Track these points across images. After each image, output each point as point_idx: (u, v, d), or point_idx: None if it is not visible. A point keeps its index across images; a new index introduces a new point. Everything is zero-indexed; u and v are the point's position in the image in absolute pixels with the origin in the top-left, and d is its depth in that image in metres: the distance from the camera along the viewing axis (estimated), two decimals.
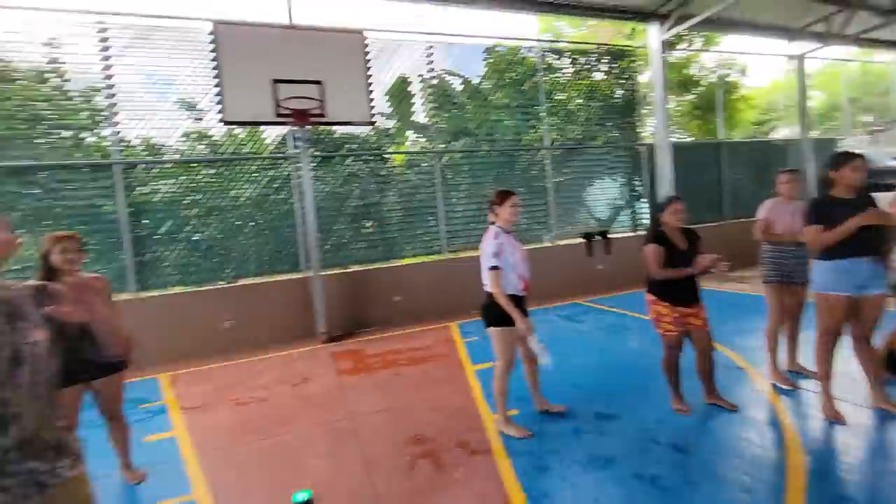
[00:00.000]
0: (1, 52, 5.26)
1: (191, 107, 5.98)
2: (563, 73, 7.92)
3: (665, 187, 8.13)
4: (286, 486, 2.48)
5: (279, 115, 5.38)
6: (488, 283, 2.92)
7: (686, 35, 9.52)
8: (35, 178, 5.38)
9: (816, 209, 2.78)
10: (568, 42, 8.71)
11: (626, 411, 3.23)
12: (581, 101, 7.95)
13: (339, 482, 2.62)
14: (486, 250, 2.92)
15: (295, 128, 5.90)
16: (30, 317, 1.16)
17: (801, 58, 9.82)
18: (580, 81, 8.05)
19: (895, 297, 2.96)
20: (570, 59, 7.97)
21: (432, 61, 7.06)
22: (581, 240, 7.93)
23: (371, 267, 6.67)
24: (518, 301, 2.93)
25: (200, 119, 6.03)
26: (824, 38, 9.52)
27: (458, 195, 7.20)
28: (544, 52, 7.81)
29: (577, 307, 6.75)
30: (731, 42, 9.95)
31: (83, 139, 5.78)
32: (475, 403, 3.58)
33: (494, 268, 2.84)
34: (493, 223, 3.05)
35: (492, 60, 7.47)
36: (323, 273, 6.05)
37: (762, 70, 20.88)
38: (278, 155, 6.33)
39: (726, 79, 10.07)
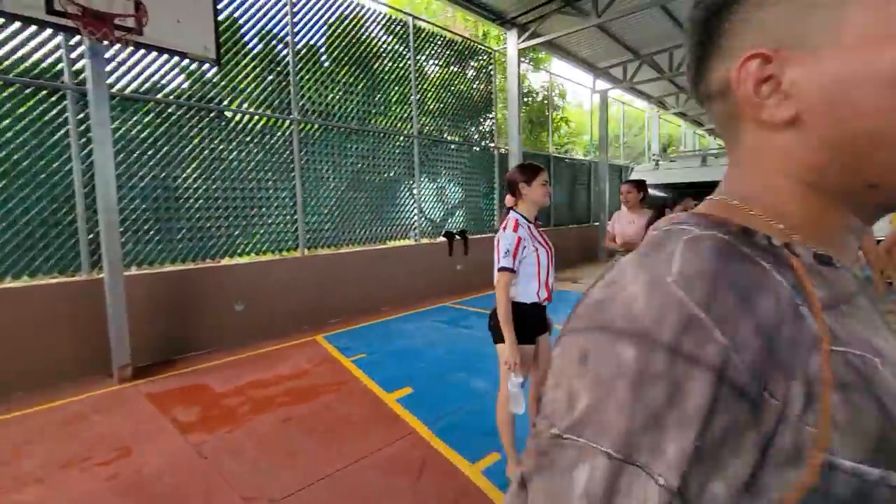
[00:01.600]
0: None
1: None
2: (425, 59, 7.39)
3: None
4: None
5: (58, 14, 3.25)
6: (496, 286, 2.15)
7: (529, 51, 10.27)
8: None
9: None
10: (431, 23, 8.26)
11: None
12: (441, 92, 7.57)
13: None
14: (501, 245, 2.13)
15: (85, 40, 3.76)
16: None
17: (603, 93, 11.79)
18: (442, 71, 7.66)
19: None
20: (432, 44, 7.50)
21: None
22: (442, 239, 7.58)
23: (197, 266, 4.81)
24: (535, 313, 2.22)
25: None
26: (616, 81, 11.64)
27: (318, 176, 5.89)
28: (403, 29, 7.13)
29: (450, 311, 6.33)
30: (558, 67, 11.27)
31: None
32: (432, 445, 2.69)
33: (505, 269, 2.09)
34: (512, 209, 2.27)
35: (337, 30, 6.15)
36: (124, 274, 4.02)
37: (578, 97, 24.85)
38: (47, 83, 3.91)
39: (551, 99, 11.33)
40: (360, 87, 6.35)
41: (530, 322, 2.19)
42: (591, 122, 12.33)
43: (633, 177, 7.24)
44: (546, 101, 11.14)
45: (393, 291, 6.55)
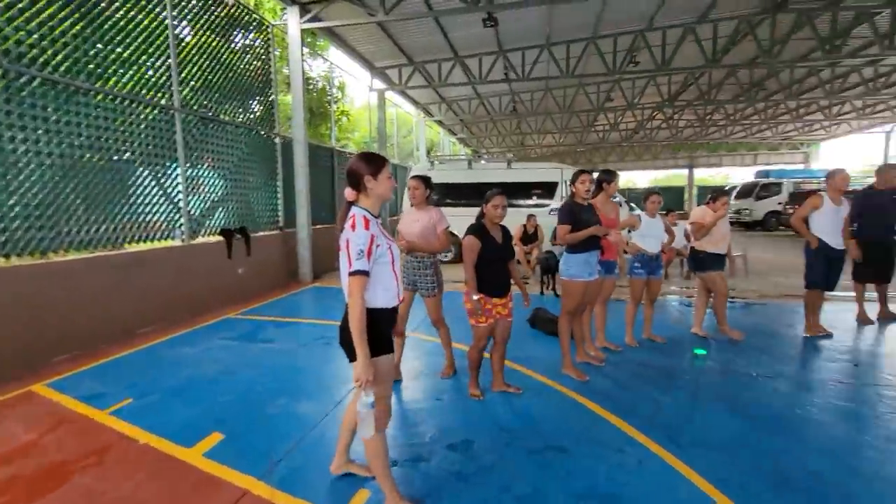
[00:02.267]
0: None
1: None
2: (186, 16, 5.92)
3: (302, 185, 7.79)
4: None
5: None
6: (346, 293, 1.83)
7: (307, 34, 9.51)
8: None
9: (569, 211, 3.49)
10: None
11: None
12: (209, 62, 6.23)
13: None
14: (351, 246, 1.81)
15: None
16: None
17: (381, 92, 12.02)
18: (208, 36, 6.28)
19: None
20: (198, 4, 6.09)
21: None
22: (220, 238, 6.32)
23: None
24: (391, 318, 2.00)
25: None
26: (391, 83, 12.08)
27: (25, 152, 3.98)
28: None
29: (239, 324, 5.32)
30: (336, 58, 10.81)
31: None
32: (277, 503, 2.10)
33: (360, 273, 1.79)
34: (353, 204, 1.93)
35: None
36: None
37: (351, 93, 23.96)
38: None
39: (330, 90, 10.82)
40: (86, 30, 4.58)
41: (387, 329, 1.97)
42: (370, 120, 12.47)
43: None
44: (326, 92, 10.63)
45: (154, 307, 5.07)
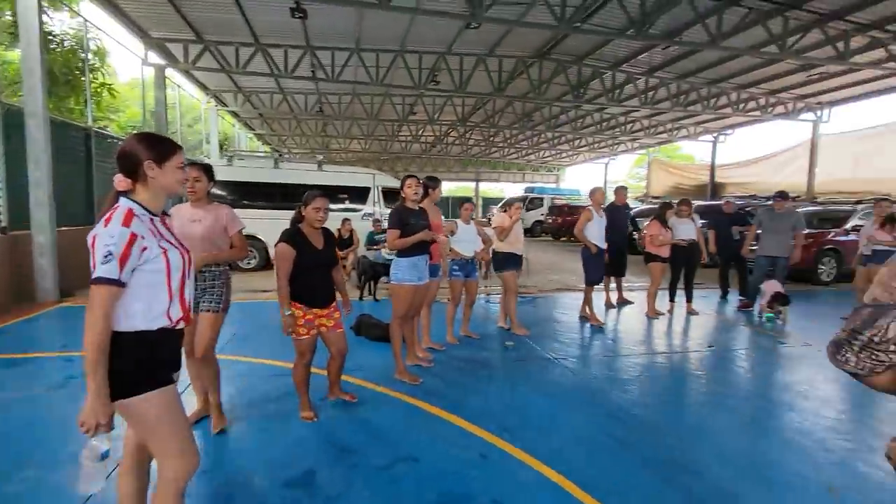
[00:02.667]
0: None
1: None
2: None
3: (41, 175, 5.83)
4: None
5: None
6: (88, 304, 1.40)
7: None
8: None
9: (398, 216, 3.49)
10: None
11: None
12: None
13: None
14: (98, 246, 1.39)
15: None
16: None
17: (160, 68, 9.94)
18: None
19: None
20: None
21: None
22: None
23: None
24: (169, 343, 1.57)
25: None
26: (173, 59, 10.19)
27: None
28: None
29: None
30: (94, 16, 8.36)
31: None
32: None
33: (103, 281, 1.37)
34: (124, 194, 1.51)
35: None
36: None
37: (127, 66, 18.46)
38: None
39: (85, 54, 8.30)
40: None
41: (163, 356, 1.53)
42: (144, 100, 10.20)
43: None
44: (77, 55, 8.20)
45: None
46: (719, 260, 7.24)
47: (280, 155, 21.13)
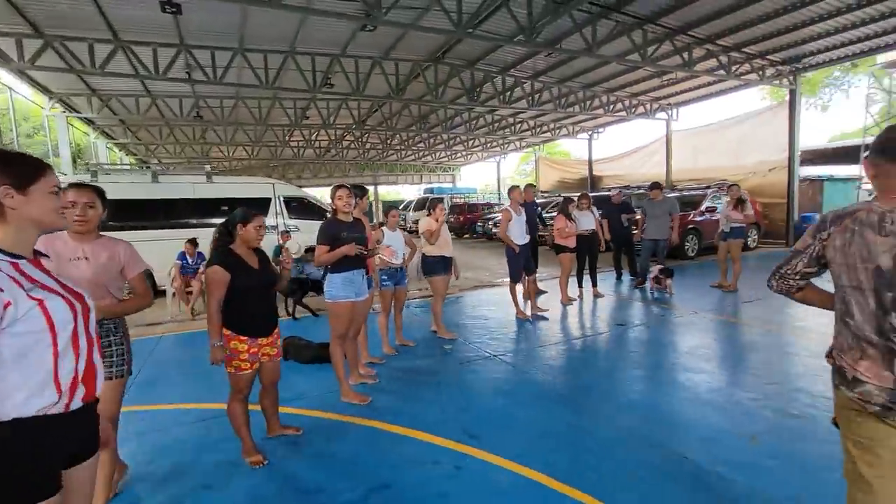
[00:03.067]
0: None
1: None
2: None
3: None
4: None
5: None
6: None
7: None
8: None
9: (326, 230, 3.29)
10: None
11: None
12: None
13: None
14: None
15: None
16: None
17: None
18: None
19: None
20: None
21: None
22: None
23: None
24: (56, 434, 1.16)
25: None
26: (2, 57, 8.42)
27: None
28: None
29: None
30: None
31: None
32: None
33: None
34: None
35: None
36: None
37: None
38: None
39: None
40: None
41: (50, 453, 1.14)
42: None
43: None
44: None
45: None
46: (613, 246, 8.06)
47: (146, 166, 18.68)
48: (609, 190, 9.90)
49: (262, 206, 8.89)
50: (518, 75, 12.41)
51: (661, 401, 3.29)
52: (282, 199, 9.17)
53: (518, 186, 6.04)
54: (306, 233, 8.63)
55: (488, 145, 23.51)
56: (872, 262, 1.31)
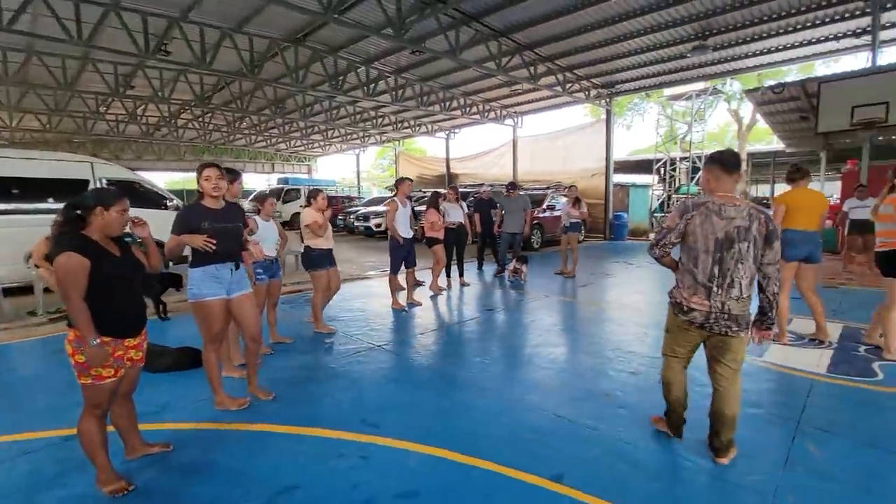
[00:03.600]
0: None
1: None
2: None
3: None
4: None
5: None
6: None
7: None
8: None
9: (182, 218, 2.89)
10: None
11: None
12: None
13: None
14: None
15: None
16: None
17: None
18: None
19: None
20: None
21: None
22: None
23: None
24: None
25: None
26: None
27: None
28: None
29: None
30: None
31: None
32: None
33: None
34: None
35: None
36: None
37: None
38: None
39: None
40: None
41: None
42: None
43: None
44: None
45: None
46: (480, 238, 8.71)
47: None
48: (481, 186, 10.63)
49: (75, 189, 7.26)
50: (382, 69, 12.42)
51: (533, 372, 3.74)
52: (104, 182, 7.62)
53: (408, 179, 6.12)
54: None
55: (348, 137, 22.97)
56: (714, 235, 2.21)
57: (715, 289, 2.22)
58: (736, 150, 16.88)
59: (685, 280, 2.32)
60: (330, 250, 4.82)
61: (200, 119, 18.41)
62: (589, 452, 2.53)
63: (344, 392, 3.37)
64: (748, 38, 9.90)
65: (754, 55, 10.84)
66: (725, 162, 2.23)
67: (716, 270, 2.20)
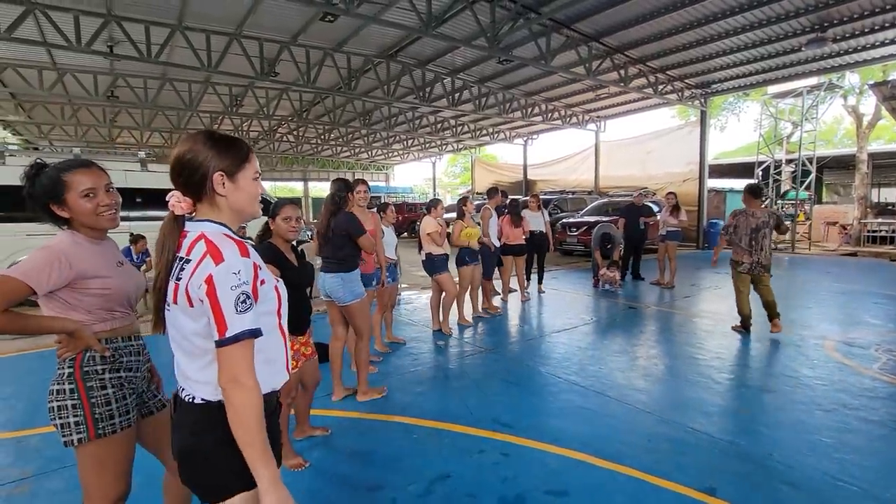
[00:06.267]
0: None
1: None
2: None
3: None
4: None
5: None
6: (225, 379, 1.05)
7: None
8: None
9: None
10: None
11: None
12: None
13: None
14: (225, 287, 1.03)
15: None
16: None
17: None
18: None
19: None
20: None
21: None
22: None
23: None
24: (273, 414, 1.25)
25: None
26: None
27: None
28: None
29: None
30: None
31: None
32: None
33: (247, 335, 1.03)
34: (191, 217, 1.13)
35: None
36: None
37: None
38: None
39: None
40: None
41: (275, 431, 1.19)
42: None
43: None
44: None
45: None
46: (622, 247, 8.38)
47: (34, 148, 16.38)
48: (561, 193, 10.51)
49: None
50: (466, 79, 12.70)
51: (652, 384, 3.66)
52: None
53: (499, 189, 6.25)
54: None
55: (427, 145, 23.66)
56: (749, 227, 4.69)
57: (752, 252, 4.64)
58: (854, 149, 15.06)
59: (738, 250, 4.77)
60: (446, 256, 5.03)
61: (295, 132, 19.93)
62: (741, 467, 2.45)
63: (468, 391, 3.53)
64: (875, 27, 8.91)
65: (882, 45, 9.72)
66: (753, 191, 4.83)
67: (753, 243, 4.65)
